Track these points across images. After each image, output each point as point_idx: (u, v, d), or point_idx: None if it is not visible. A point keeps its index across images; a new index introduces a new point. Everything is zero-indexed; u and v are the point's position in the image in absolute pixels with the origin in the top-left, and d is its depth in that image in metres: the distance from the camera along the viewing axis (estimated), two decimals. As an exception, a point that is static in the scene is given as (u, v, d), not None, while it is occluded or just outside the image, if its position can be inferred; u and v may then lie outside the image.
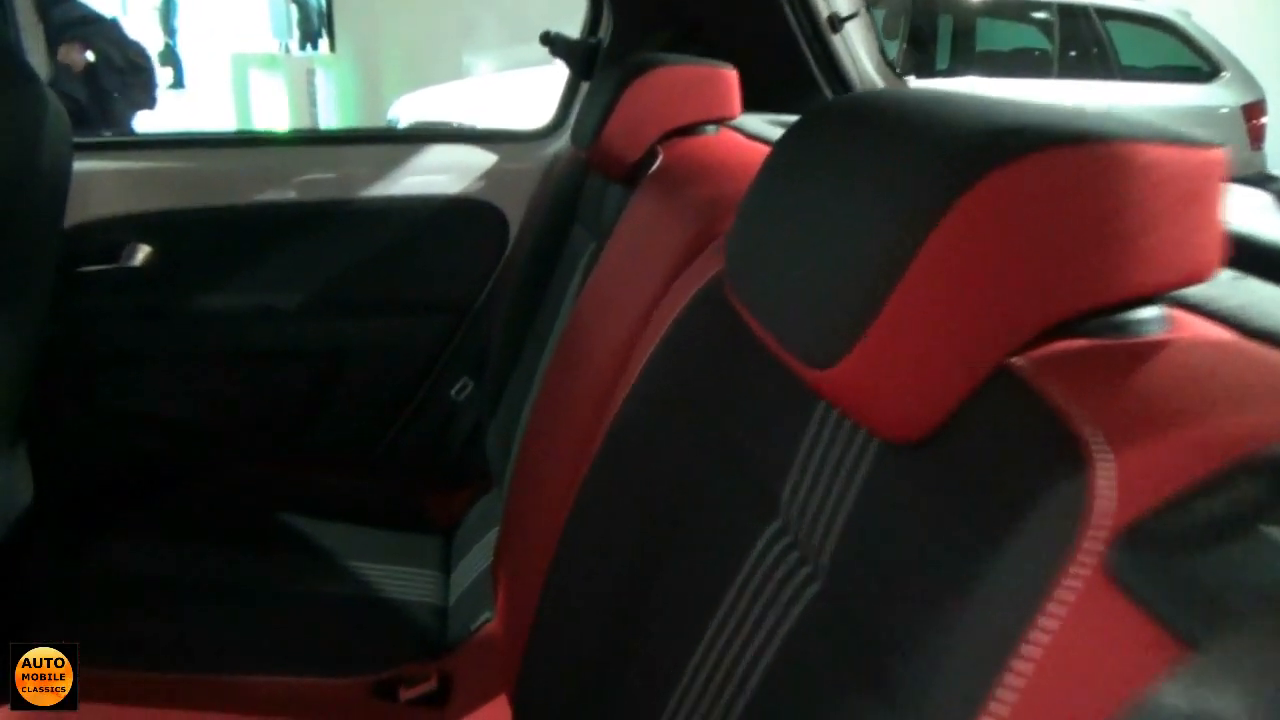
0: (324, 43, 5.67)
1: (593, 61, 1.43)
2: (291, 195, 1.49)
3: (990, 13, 6.05)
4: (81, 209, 1.34)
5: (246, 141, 1.53)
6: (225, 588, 1.14)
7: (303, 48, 5.71)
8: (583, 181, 1.28)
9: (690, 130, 1.06)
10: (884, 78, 1.41)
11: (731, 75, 1.07)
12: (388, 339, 1.53)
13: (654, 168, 0.99)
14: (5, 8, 1.31)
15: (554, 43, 1.44)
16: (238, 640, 1.06)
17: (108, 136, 1.42)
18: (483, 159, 1.53)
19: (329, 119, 5.55)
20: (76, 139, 1.24)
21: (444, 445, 1.53)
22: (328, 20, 5.61)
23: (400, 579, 1.24)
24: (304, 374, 1.53)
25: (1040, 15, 6.14)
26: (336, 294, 1.51)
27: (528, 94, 4.50)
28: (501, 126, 1.60)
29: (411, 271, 1.52)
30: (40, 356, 1.28)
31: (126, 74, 4.28)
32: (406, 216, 1.51)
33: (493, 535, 1.27)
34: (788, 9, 1.33)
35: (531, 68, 4.93)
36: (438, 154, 1.54)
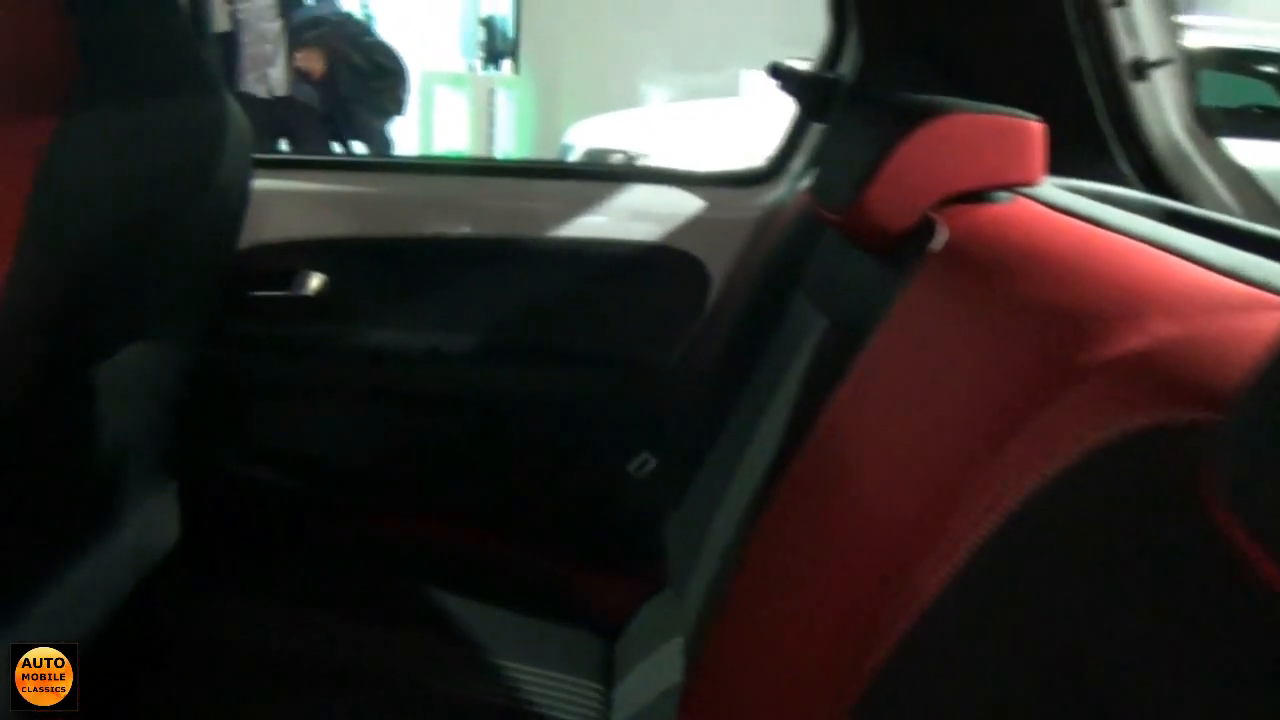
0: (507, 65, 5.71)
1: (828, 100, 1.22)
2: (473, 228, 1.35)
3: (1213, 65, 5.48)
4: (257, 230, 1.24)
5: (431, 168, 1.41)
6: (356, 675, 0.99)
7: (486, 68, 5.77)
8: (813, 242, 1.07)
9: (976, 197, 0.83)
10: (1193, 139, 1.14)
11: (1038, 130, 0.83)
12: (562, 396, 1.36)
13: (936, 243, 0.77)
14: (197, 14, 1.23)
15: (784, 76, 1.25)
16: None
17: (288, 155, 1.32)
18: (686, 204, 1.35)
19: (505, 138, 5.58)
20: (257, 155, 1.14)
21: (612, 525, 1.35)
22: (514, 43, 5.66)
23: (555, 687, 1.06)
24: (467, 425, 1.38)
25: (1270, 69, 5.51)
26: (511, 341, 1.36)
27: (702, 125, 4.36)
28: (713, 168, 1.42)
29: (595, 324, 1.35)
30: (194, 383, 1.18)
31: (371, 78, 3.93)
32: (595, 261, 1.34)
33: (669, 651, 1.07)
34: (1081, 49, 1.09)
35: (707, 99, 4.80)
36: (636, 195, 1.37)
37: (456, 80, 5.63)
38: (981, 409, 0.55)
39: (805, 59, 1.36)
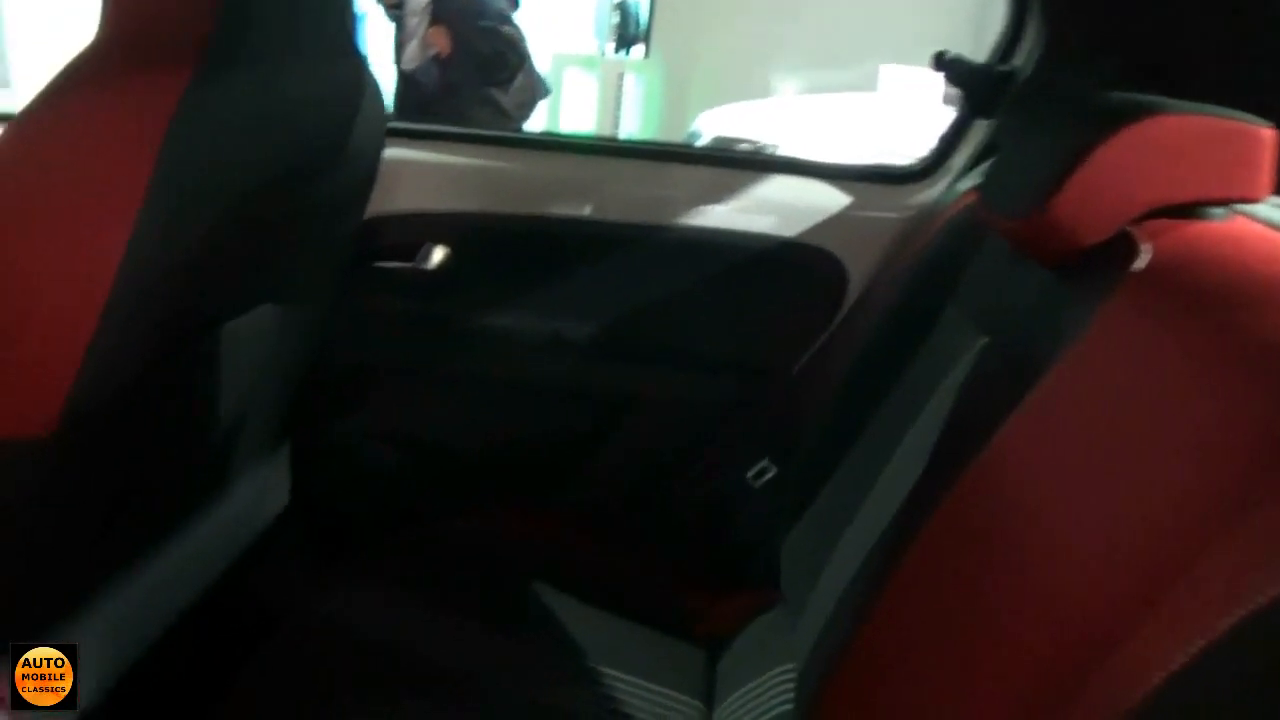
0: (638, 49, 5.67)
1: (998, 95, 1.11)
2: (601, 211, 1.29)
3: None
4: (383, 200, 1.22)
5: (563, 146, 1.36)
6: (446, 673, 0.95)
7: (618, 52, 5.75)
8: (973, 250, 0.97)
9: (1186, 211, 0.72)
10: None
11: (1269, 138, 0.72)
12: (680, 395, 1.30)
13: (1139, 262, 0.67)
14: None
15: (950, 66, 1.14)
16: None
17: (419, 125, 1.29)
18: (828, 199, 1.26)
19: (630, 122, 5.55)
20: (389, 125, 1.11)
21: (725, 534, 1.28)
22: (647, 27, 5.61)
23: (655, 701, 1.00)
24: (579, 419, 1.33)
25: None
26: (630, 332, 1.30)
27: (836, 119, 4.21)
28: (866, 162, 1.32)
29: (722, 319, 1.28)
30: (317, 351, 1.17)
31: (489, 69, 3.55)
32: (726, 253, 1.27)
33: (779, 677, 1.00)
34: (1307, 49, 0.95)
35: (837, 93, 4.65)
36: (773, 186, 1.29)
37: (587, 62, 5.63)
38: (1201, 481, 0.45)
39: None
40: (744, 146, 3.86)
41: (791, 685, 0.96)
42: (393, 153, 1.20)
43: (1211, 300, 0.59)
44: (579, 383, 1.31)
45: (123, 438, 0.80)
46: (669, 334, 1.30)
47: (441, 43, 3.58)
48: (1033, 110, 0.93)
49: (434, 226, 1.28)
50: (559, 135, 1.24)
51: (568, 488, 1.32)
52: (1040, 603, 0.53)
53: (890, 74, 4.49)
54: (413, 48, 3.67)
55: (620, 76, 5.53)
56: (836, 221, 1.24)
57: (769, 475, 1.24)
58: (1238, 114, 0.73)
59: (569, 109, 5.47)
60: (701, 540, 1.29)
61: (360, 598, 1.01)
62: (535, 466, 1.34)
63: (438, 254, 1.28)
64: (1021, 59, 1.10)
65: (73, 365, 0.66)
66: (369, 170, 1.06)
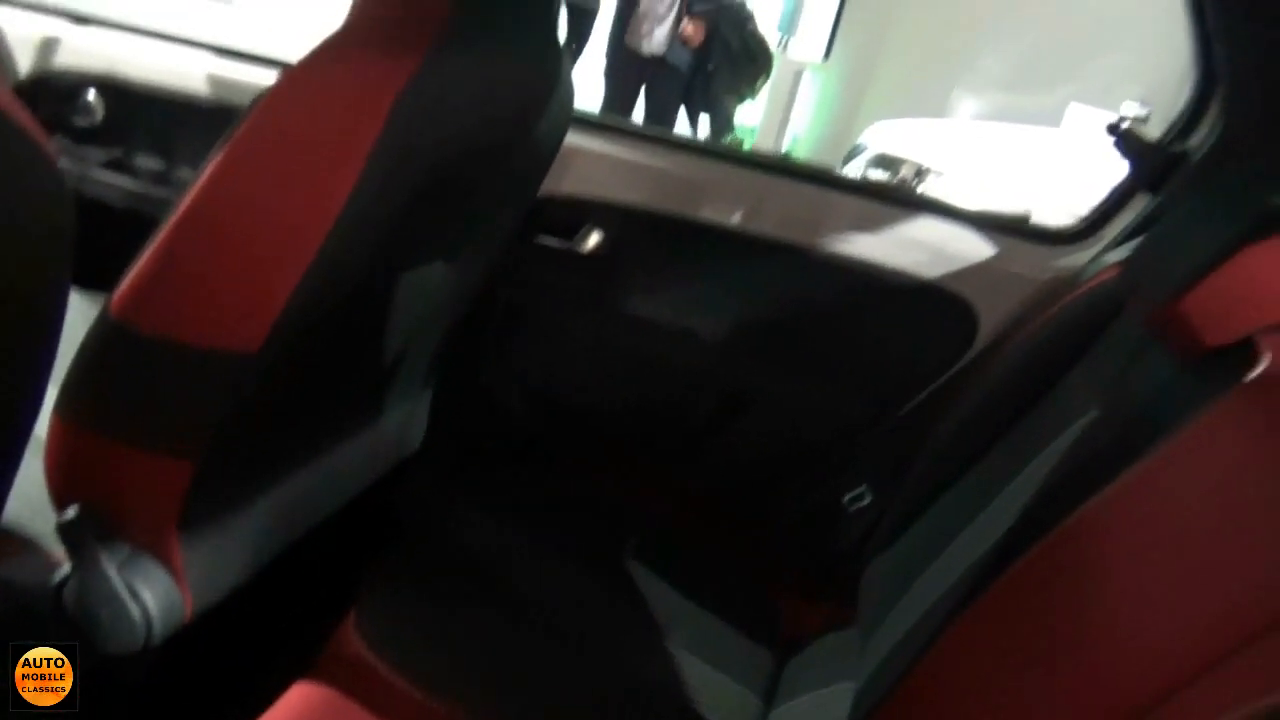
0: (819, 50, 5.62)
1: (1168, 173, 1.11)
2: (752, 222, 1.35)
3: None
4: (555, 181, 1.31)
5: (722, 156, 1.42)
6: (549, 619, 1.04)
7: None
8: (1106, 321, 0.99)
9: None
10: None
11: None
12: (797, 408, 1.35)
13: (1257, 371, 0.69)
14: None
15: (1124, 137, 1.14)
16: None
17: (593, 116, 1.38)
18: (972, 247, 1.28)
19: (800, 122, 5.53)
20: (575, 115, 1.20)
21: (815, 545, 1.33)
22: (832, 28, 5.56)
23: (716, 689, 1.07)
24: (702, 409, 1.40)
25: None
26: (761, 341, 1.37)
27: (1007, 152, 4.08)
28: (1010, 211, 1.33)
29: (847, 346, 1.33)
30: (473, 304, 1.28)
31: (738, 62, 4.51)
32: (865, 284, 1.31)
33: (838, 693, 1.05)
34: None
35: (1021, 124, 4.50)
36: (921, 226, 1.32)
37: (765, 57, 5.61)
38: (1268, 578, 0.49)
39: (1146, 107, 1.24)
40: (907, 167, 3.81)
41: (848, 703, 1.02)
42: (573, 139, 1.29)
43: None
44: (708, 376, 1.38)
45: (307, 364, 0.91)
46: (798, 349, 1.35)
47: (696, 35, 4.37)
48: (1195, 197, 0.93)
49: (594, 212, 1.37)
50: (720, 146, 1.30)
51: (681, 468, 1.40)
52: (1095, 668, 0.57)
53: (1076, 113, 4.31)
54: (661, 32, 4.40)
55: (797, 75, 5.51)
56: (978, 271, 1.27)
57: (864, 502, 1.28)
58: None
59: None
60: (795, 547, 1.35)
61: (475, 527, 1.12)
62: (654, 441, 1.42)
63: (594, 237, 1.37)
64: (1197, 141, 1.10)
65: (283, 296, 0.76)
66: (550, 153, 1.15)
